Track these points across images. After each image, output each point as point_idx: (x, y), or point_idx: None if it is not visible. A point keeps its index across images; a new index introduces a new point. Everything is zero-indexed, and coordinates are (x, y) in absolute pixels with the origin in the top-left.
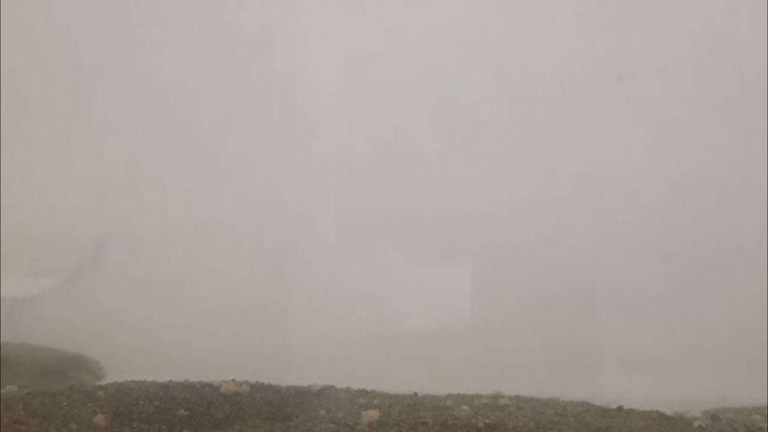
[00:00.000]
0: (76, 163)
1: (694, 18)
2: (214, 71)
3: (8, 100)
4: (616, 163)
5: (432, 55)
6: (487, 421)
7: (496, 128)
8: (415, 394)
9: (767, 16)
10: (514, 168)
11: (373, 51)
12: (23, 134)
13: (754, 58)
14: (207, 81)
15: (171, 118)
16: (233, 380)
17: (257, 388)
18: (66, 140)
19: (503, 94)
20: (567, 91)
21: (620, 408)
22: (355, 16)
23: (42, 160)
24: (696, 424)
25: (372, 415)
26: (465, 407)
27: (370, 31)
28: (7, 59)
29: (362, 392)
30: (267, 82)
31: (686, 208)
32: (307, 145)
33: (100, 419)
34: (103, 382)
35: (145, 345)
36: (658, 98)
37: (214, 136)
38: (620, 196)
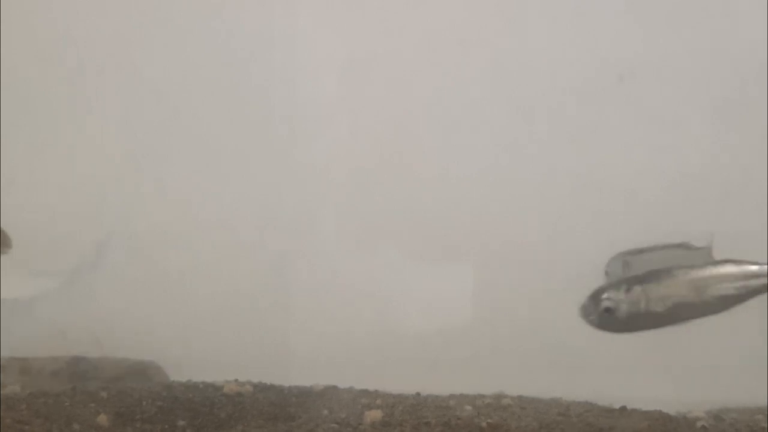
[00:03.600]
0: (76, 163)
1: (694, 18)
2: (215, 71)
3: (8, 100)
4: (616, 162)
5: (432, 55)
6: (490, 421)
7: (497, 128)
8: (418, 394)
9: (767, 16)
10: (514, 168)
11: (373, 51)
12: (23, 134)
13: (754, 59)
14: (207, 81)
15: (171, 118)
16: (236, 380)
17: (260, 388)
18: (66, 140)
19: (503, 94)
20: (567, 91)
21: (623, 408)
22: (355, 17)
23: (42, 160)
24: (699, 424)
25: (375, 415)
26: (468, 407)
27: (370, 32)
28: (7, 59)
29: (365, 392)
30: (267, 83)
31: (686, 207)
32: (307, 145)
33: (102, 419)
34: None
35: (146, 345)
36: (659, 98)
37: (214, 136)
38: (620, 196)
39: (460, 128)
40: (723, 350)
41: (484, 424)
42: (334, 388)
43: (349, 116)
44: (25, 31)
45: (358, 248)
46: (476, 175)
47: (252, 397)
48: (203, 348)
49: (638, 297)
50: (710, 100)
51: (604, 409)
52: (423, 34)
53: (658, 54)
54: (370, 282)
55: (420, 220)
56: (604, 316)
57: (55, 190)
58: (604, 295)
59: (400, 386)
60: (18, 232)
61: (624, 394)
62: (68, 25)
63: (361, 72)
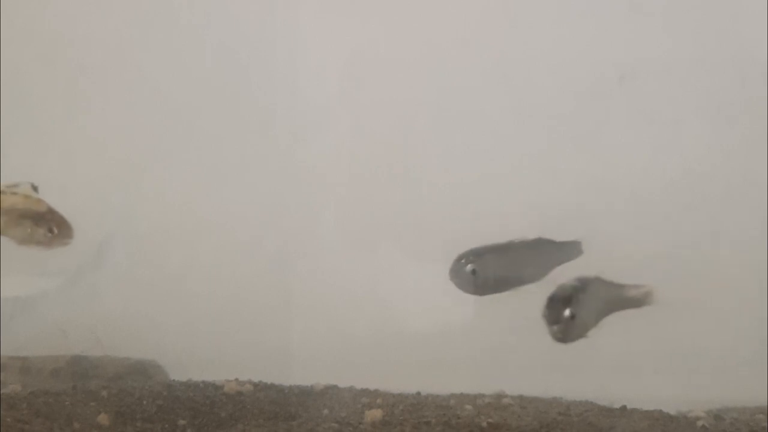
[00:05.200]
0: (77, 163)
1: (694, 18)
2: (215, 71)
3: (8, 100)
4: (617, 163)
5: (435, 55)
6: (490, 420)
7: (497, 128)
8: (418, 393)
9: (767, 16)
10: (517, 168)
11: (376, 51)
12: (23, 134)
13: (755, 58)
14: (208, 81)
15: (172, 118)
16: (236, 380)
17: (260, 387)
18: (66, 140)
19: (506, 94)
20: (567, 92)
21: (623, 407)
22: (358, 16)
23: (42, 160)
24: (699, 423)
25: (375, 414)
26: (468, 407)
27: (372, 31)
28: (7, 59)
29: (365, 392)
30: (268, 82)
31: (687, 207)
32: (308, 145)
33: (103, 419)
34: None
35: (147, 344)
36: (659, 98)
37: (215, 136)
38: (622, 196)
39: (461, 128)
40: (723, 350)
41: (484, 424)
42: (335, 387)
43: (350, 116)
44: (25, 31)
45: (358, 248)
46: (477, 175)
47: (252, 397)
48: (203, 347)
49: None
50: (711, 100)
51: (604, 409)
52: (426, 35)
53: (658, 54)
54: (370, 282)
55: (420, 220)
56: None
57: (56, 190)
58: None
59: (400, 385)
60: None
61: (624, 393)
62: (68, 25)
63: (362, 72)
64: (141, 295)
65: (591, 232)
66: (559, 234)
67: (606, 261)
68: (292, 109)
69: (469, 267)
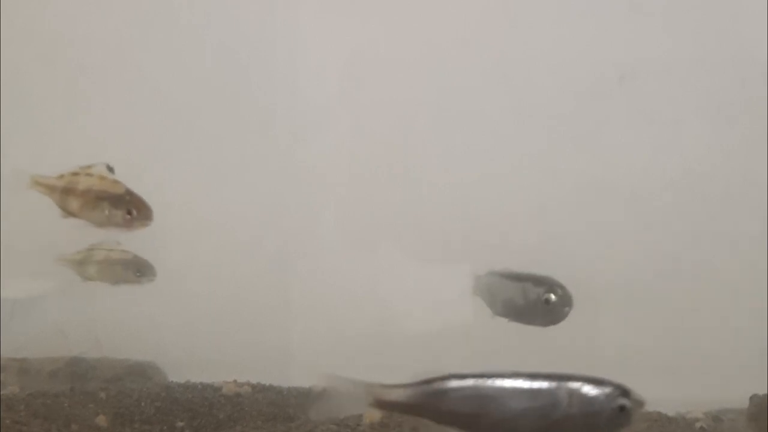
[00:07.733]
0: (76, 163)
1: (694, 18)
2: (215, 71)
3: (8, 100)
4: (617, 163)
5: (435, 55)
6: None
7: (497, 129)
8: None
9: (767, 16)
10: (517, 168)
11: (376, 51)
12: (23, 134)
13: (755, 58)
14: (208, 81)
15: (172, 118)
16: (235, 381)
17: (259, 389)
18: (66, 140)
19: (506, 94)
20: (568, 92)
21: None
22: (358, 16)
23: (42, 160)
24: (698, 425)
25: (374, 416)
26: None
27: (372, 31)
28: (7, 59)
29: None
30: (268, 82)
31: (687, 208)
32: (308, 145)
33: (101, 420)
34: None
35: (145, 346)
36: (659, 98)
37: (214, 136)
38: (621, 196)
39: (461, 128)
40: (723, 350)
41: None
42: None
43: (350, 116)
44: (25, 31)
45: (358, 248)
46: (477, 175)
47: (251, 398)
48: (202, 348)
49: None
50: (711, 100)
51: None
52: (426, 35)
53: (658, 54)
54: (370, 282)
55: (420, 220)
56: None
57: None
58: None
59: None
60: (19, 231)
61: None
62: (68, 25)
63: (362, 72)
64: (140, 296)
65: (591, 232)
66: (558, 233)
67: (606, 261)
68: (292, 109)
69: None
